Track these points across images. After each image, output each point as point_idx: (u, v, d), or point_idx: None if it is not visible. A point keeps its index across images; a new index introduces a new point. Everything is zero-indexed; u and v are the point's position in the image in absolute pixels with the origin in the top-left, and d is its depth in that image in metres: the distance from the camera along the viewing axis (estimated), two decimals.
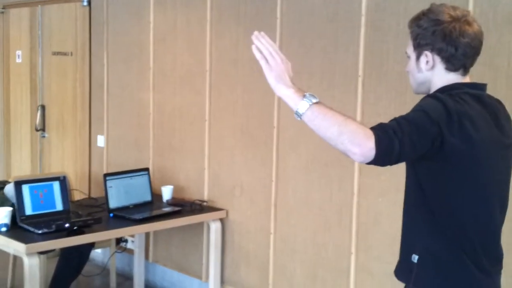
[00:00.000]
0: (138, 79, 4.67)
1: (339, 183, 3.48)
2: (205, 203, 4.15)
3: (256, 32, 1.88)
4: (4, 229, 3.35)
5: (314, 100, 1.79)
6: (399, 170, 3.20)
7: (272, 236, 3.85)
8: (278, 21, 3.71)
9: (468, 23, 1.86)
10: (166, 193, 4.19)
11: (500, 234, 1.99)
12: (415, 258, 1.96)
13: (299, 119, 1.80)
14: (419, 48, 1.92)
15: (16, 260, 4.37)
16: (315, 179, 3.60)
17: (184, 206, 4.04)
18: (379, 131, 1.69)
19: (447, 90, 1.88)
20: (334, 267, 3.54)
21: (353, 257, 3.44)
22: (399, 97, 3.18)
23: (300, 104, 1.81)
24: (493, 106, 1.91)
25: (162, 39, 4.47)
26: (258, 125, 3.89)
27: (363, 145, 1.67)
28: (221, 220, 4.11)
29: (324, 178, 3.56)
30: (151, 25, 4.52)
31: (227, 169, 4.10)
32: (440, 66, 1.90)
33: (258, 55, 1.87)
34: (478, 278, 1.88)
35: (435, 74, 1.92)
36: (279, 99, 3.69)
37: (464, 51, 1.86)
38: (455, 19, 1.85)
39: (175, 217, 3.89)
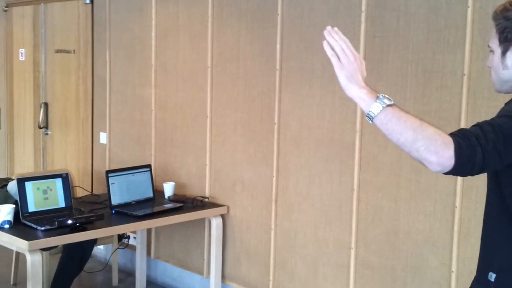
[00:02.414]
0: (140, 76, 4.69)
1: (339, 179, 3.49)
2: (206, 199, 4.16)
3: (329, 27, 1.75)
4: (7, 226, 3.38)
5: (388, 102, 1.62)
6: (398, 166, 3.23)
7: (273, 232, 3.87)
8: (279, 17, 3.72)
9: None
10: (168, 189, 4.21)
11: None
12: (492, 276, 1.77)
13: (370, 122, 1.65)
14: (506, 42, 1.73)
15: (19, 256, 4.40)
16: (316, 174, 3.62)
17: (185, 202, 4.06)
18: (460, 138, 1.54)
19: None
20: (334, 262, 3.55)
21: (353, 252, 3.45)
22: (399, 93, 3.19)
23: (372, 106, 1.63)
24: None
25: (164, 36, 4.49)
26: (259, 121, 3.90)
27: (441, 154, 1.52)
28: (222, 216, 4.13)
29: (324, 173, 3.57)
30: (153, 22, 4.54)
31: (228, 165, 4.12)
32: None
33: (329, 52, 1.74)
34: None
35: None
36: (280, 95, 3.74)
37: None
38: None
39: (177, 213, 3.91)
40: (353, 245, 3.45)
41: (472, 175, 1.60)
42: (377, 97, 1.64)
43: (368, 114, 1.64)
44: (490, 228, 1.82)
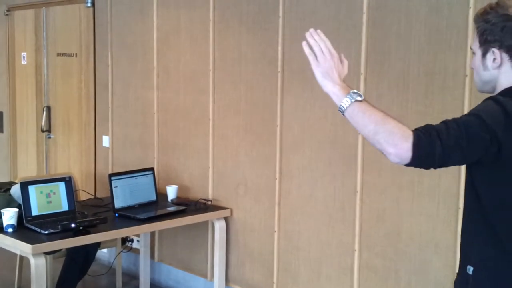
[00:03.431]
0: (142, 79, 4.70)
1: (342, 181, 3.49)
2: (209, 202, 4.16)
3: (311, 30, 1.86)
4: (10, 230, 3.38)
5: (358, 98, 1.74)
6: (401, 168, 3.22)
7: (276, 234, 3.87)
8: (280, 20, 3.73)
9: None
10: (171, 192, 4.21)
11: None
12: (470, 269, 1.83)
13: (342, 115, 1.78)
14: (486, 44, 1.80)
15: (23, 260, 4.40)
16: (318, 177, 3.62)
17: (188, 205, 4.07)
18: (422, 132, 1.63)
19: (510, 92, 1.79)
20: (338, 264, 3.55)
21: (356, 254, 3.45)
22: (401, 95, 3.19)
23: (343, 101, 1.76)
24: None
25: (166, 39, 4.50)
26: (261, 123, 3.91)
27: (399, 146, 1.63)
28: (226, 218, 4.13)
29: (327, 176, 3.57)
30: (155, 25, 4.55)
31: (231, 168, 4.12)
32: (508, 64, 1.79)
33: (307, 51, 1.84)
34: None
35: (501, 72, 1.80)
36: (282, 97, 3.74)
37: None
38: None
39: (180, 216, 3.91)
40: (356, 247, 3.45)
41: (434, 168, 1.68)
42: (348, 93, 1.76)
43: (339, 108, 1.77)
44: (467, 222, 1.88)
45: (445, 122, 1.67)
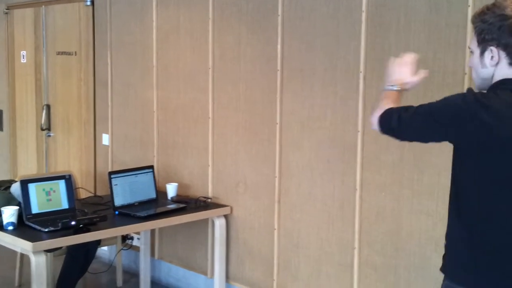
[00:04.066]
0: (142, 78, 4.70)
1: (342, 179, 3.50)
2: (209, 200, 4.17)
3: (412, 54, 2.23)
4: (11, 227, 3.39)
5: (392, 88, 2.14)
6: (401, 165, 3.24)
7: (276, 232, 3.88)
8: (280, 18, 3.73)
9: None
10: (171, 190, 4.22)
11: None
12: (444, 243, 2.06)
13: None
14: (484, 43, 1.91)
15: (23, 258, 4.41)
16: (318, 175, 3.63)
17: (188, 203, 4.08)
18: (390, 109, 2.02)
19: (494, 87, 1.91)
20: (337, 261, 3.56)
21: (356, 252, 3.46)
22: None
23: (387, 87, 2.17)
24: None
25: (165, 37, 4.50)
26: (261, 121, 3.91)
27: (374, 116, 2.05)
28: (226, 216, 4.14)
29: (326, 173, 3.58)
30: (154, 24, 4.55)
31: (231, 165, 4.13)
32: (504, 61, 1.89)
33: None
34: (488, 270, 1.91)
35: (498, 69, 1.91)
36: (281, 96, 3.75)
37: None
38: None
39: (180, 214, 3.92)
40: (356, 245, 3.46)
41: (399, 139, 2.10)
42: (393, 85, 2.15)
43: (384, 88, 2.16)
44: (449, 201, 2.08)
45: (412, 105, 1.97)
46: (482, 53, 1.92)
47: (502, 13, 1.85)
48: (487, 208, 1.89)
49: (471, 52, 1.98)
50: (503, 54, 1.88)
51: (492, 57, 1.90)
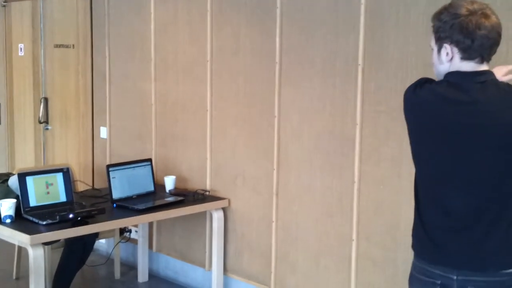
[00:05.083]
0: (140, 70, 4.69)
1: (340, 171, 3.50)
2: (207, 193, 4.17)
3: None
4: (8, 220, 3.39)
5: None
6: (399, 158, 3.23)
7: (274, 225, 3.88)
8: (278, 10, 3.72)
9: (485, 16, 1.97)
10: (169, 183, 4.22)
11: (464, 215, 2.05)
12: None
13: None
14: (439, 41, 2.05)
15: (21, 251, 4.41)
16: (316, 167, 3.62)
17: (186, 196, 4.07)
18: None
19: (442, 79, 2.09)
20: (336, 254, 3.56)
21: (354, 244, 3.46)
22: (399, 85, 3.19)
23: None
24: (472, 92, 2.00)
25: (163, 29, 4.49)
26: (259, 114, 3.91)
27: None
28: (224, 209, 4.14)
29: (325, 166, 3.58)
30: (152, 16, 4.54)
31: (229, 158, 4.12)
32: (457, 56, 2.03)
33: None
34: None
35: (452, 64, 2.05)
36: (280, 88, 3.74)
37: (481, 43, 1.98)
38: (472, 13, 1.97)
39: (178, 207, 3.92)
40: (354, 237, 3.46)
41: None
42: None
43: None
44: None
45: None
46: (439, 50, 2.06)
47: (455, 12, 1.99)
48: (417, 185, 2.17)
49: (431, 49, 2.11)
50: (455, 50, 2.02)
51: (447, 53, 2.04)
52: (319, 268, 3.66)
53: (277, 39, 3.74)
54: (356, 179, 3.42)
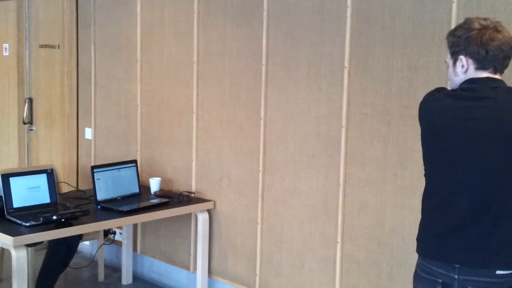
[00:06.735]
0: (126, 71, 4.67)
1: (325, 174, 3.51)
2: (192, 195, 4.16)
3: None
4: None
5: None
6: (385, 161, 3.25)
7: (259, 227, 3.88)
8: (265, 13, 3.72)
9: (497, 31, 2.13)
10: (154, 185, 4.21)
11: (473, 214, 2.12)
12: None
13: None
14: (455, 54, 2.20)
15: (4, 252, 4.37)
16: (302, 170, 3.63)
17: (171, 198, 4.06)
18: None
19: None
20: (320, 256, 3.57)
21: (339, 246, 3.47)
22: (385, 88, 3.21)
23: None
24: (484, 92, 2.13)
25: (150, 31, 4.47)
26: (245, 116, 3.91)
27: None
28: (209, 211, 4.13)
29: (310, 169, 3.58)
30: (139, 17, 4.52)
31: (215, 160, 4.12)
32: (471, 67, 2.17)
33: None
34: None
35: (467, 75, 2.19)
36: (266, 90, 3.74)
37: (494, 54, 2.13)
38: (485, 27, 2.13)
39: (163, 209, 3.90)
40: (339, 239, 3.47)
41: None
42: None
43: None
44: None
45: None
46: (454, 63, 2.21)
47: (469, 27, 2.15)
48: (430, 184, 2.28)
49: (447, 66, 2.26)
50: (470, 61, 2.16)
51: (462, 65, 2.18)
52: (303, 270, 3.67)
53: (264, 42, 3.74)
54: (341, 181, 3.43)
